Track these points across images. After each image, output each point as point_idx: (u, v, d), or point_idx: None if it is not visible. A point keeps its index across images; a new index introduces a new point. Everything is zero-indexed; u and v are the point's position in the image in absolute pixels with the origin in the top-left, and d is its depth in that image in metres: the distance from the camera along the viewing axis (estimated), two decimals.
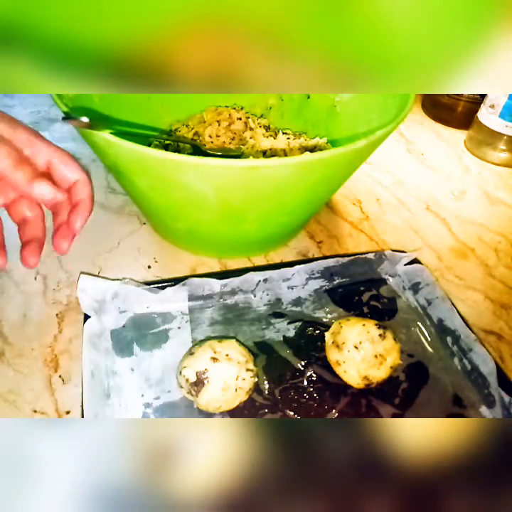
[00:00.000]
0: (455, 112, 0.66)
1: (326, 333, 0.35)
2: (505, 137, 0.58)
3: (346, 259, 0.40)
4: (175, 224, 0.41)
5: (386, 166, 0.58)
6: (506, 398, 0.32)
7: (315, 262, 0.40)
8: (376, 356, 0.33)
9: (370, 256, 0.41)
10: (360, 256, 0.41)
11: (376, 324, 0.34)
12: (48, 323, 0.36)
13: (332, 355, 0.34)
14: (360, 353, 0.33)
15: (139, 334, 0.36)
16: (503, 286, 0.44)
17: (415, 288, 0.40)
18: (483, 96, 0.60)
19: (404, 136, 0.65)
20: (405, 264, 0.41)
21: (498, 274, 0.45)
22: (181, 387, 0.31)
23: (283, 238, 0.45)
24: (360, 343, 0.33)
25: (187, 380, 0.31)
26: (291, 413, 0.32)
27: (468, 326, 0.36)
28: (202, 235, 0.42)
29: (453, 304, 0.37)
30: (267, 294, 0.39)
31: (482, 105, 0.60)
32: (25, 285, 0.39)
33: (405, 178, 0.57)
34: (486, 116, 0.59)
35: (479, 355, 0.34)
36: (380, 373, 0.33)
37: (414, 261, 0.41)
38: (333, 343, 0.34)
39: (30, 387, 0.32)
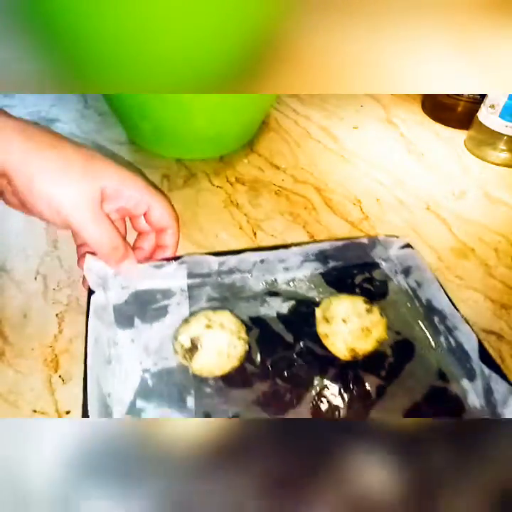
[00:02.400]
0: (455, 112, 0.66)
1: (317, 309, 0.37)
2: (505, 137, 0.58)
3: (340, 242, 0.41)
4: (142, 124, 0.51)
5: (386, 166, 0.58)
6: (486, 371, 0.33)
7: (310, 244, 0.41)
8: (363, 329, 0.34)
9: (364, 241, 0.42)
10: (355, 240, 0.42)
11: (364, 300, 0.35)
12: (48, 323, 0.36)
13: (321, 328, 0.35)
14: (348, 325, 0.34)
15: (140, 309, 0.37)
16: (503, 286, 0.44)
17: (406, 272, 0.41)
18: (483, 96, 0.60)
19: (405, 136, 0.65)
20: (398, 249, 0.42)
21: (498, 274, 0.45)
22: (176, 352, 0.33)
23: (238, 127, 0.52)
24: (348, 316, 0.34)
25: (182, 346, 0.32)
26: (281, 382, 0.33)
27: (454, 305, 0.36)
28: (163, 133, 0.50)
29: (441, 285, 0.38)
30: (263, 275, 0.41)
31: (482, 105, 0.60)
32: (25, 285, 0.39)
33: (405, 178, 0.57)
34: (486, 116, 0.59)
35: (463, 333, 0.35)
36: (366, 345, 0.34)
37: (407, 246, 0.42)
38: (322, 317, 0.36)
39: (30, 387, 0.32)
